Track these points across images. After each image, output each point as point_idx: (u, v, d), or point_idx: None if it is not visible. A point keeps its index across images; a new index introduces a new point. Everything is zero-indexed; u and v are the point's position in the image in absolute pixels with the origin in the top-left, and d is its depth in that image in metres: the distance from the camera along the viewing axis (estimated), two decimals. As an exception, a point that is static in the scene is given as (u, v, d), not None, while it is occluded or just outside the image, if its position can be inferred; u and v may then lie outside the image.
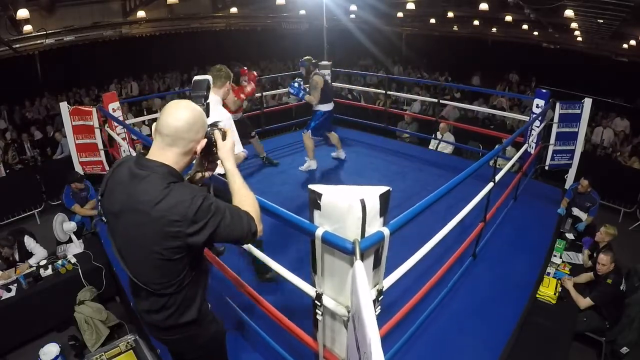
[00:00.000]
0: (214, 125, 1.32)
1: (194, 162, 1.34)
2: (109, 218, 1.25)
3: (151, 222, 1.13)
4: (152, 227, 1.13)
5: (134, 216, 1.16)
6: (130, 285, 1.33)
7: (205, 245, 1.23)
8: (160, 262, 1.18)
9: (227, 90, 2.57)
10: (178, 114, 1.17)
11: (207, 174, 1.40)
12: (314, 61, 4.42)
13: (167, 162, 1.17)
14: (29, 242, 3.76)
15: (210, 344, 1.49)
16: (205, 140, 1.24)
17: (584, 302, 3.16)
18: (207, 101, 1.40)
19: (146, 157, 1.19)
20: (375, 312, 1.48)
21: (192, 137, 1.19)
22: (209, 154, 1.32)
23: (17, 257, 3.69)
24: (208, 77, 1.48)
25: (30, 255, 3.72)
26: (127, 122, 4.51)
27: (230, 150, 1.31)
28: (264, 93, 5.83)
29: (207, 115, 1.33)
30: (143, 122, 6.70)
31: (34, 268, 3.44)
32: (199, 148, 1.23)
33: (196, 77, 1.48)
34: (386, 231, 1.37)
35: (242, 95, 4.17)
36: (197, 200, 1.13)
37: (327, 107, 4.46)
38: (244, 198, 1.28)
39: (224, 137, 1.31)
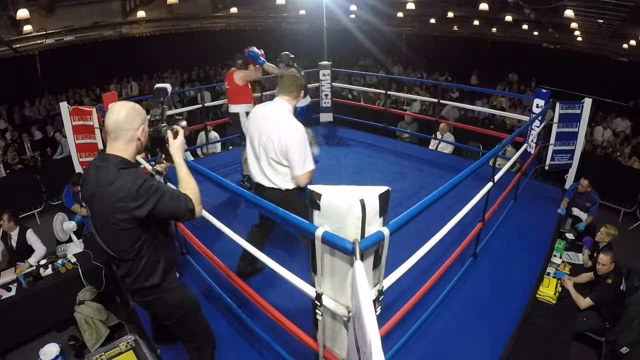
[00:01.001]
0: (168, 125, 1.61)
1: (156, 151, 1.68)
2: (87, 203, 1.56)
3: (107, 200, 1.45)
4: (109, 204, 1.45)
5: (98, 197, 1.47)
6: (108, 257, 1.62)
7: (149, 218, 1.48)
8: (118, 231, 1.48)
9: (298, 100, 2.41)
10: (115, 112, 1.49)
11: (165, 164, 1.72)
12: (292, 56, 4.66)
13: (118, 153, 1.49)
14: (31, 236, 3.81)
15: (178, 310, 1.75)
16: (144, 126, 1.54)
17: (584, 302, 3.16)
18: (164, 106, 1.64)
19: (105, 152, 1.53)
20: (376, 312, 1.48)
21: (129, 126, 1.49)
22: (163, 149, 1.64)
23: (14, 243, 3.74)
24: (167, 85, 1.68)
25: (29, 249, 3.75)
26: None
27: (179, 147, 1.63)
28: (264, 93, 5.83)
29: (163, 118, 1.62)
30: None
31: (34, 267, 3.45)
32: (139, 133, 1.52)
33: (157, 85, 1.68)
34: (386, 231, 1.37)
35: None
36: (139, 181, 1.44)
37: (303, 102, 4.59)
38: (187, 184, 1.59)
39: (175, 136, 1.62)
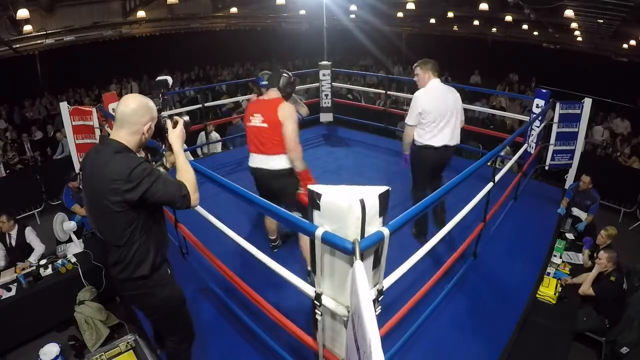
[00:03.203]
0: (169, 117, 1.68)
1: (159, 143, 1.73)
2: (83, 184, 1.62)
3: (101, 180, 1.46)
4: (102, 184, 1.46)
5: (93, 177, 1.51)
6: (100, 243, 1.63)
7: (142, 203, 1.48)
8: (109, 213, 1.49)
9: None
10: (126, 103, 1.53)
11: (172, 159, 1.72)
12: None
13: (119, 140, 1.52)
14: (29, 234, 3.83)
15: (164, 306, 1.75)
16: (150, 124, 1.57)
17: (587, 289, 3.15)
18: (165, 97, 1.74)
19: (108, 137, 1.56)
20: (375, 312, 1.48)
21: (136, 120, 1.52)
22: (163, 138, 1.69)
23: (13, 242, 3.77)
24: (168, 77, 1.78)
25: (28, 247, 3.76)
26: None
27: (179, 135, 1.66)
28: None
29: (163, 108, 1.69)
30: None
31: (34, 267, 3.45)
32: (144, 129, 1.55)
33: (158, 77, 1.78)
34: (386, 231, 1.37)
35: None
36: (132, 164, 1.45)
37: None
38: (184, 172, 1.60)
39: (174, 126, 1.66)
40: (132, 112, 1.51)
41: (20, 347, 3.23)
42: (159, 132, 1.65)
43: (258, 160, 2.67)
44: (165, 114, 1.69)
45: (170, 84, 1.77)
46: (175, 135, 1.65)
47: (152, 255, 1.62)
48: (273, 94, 2.66)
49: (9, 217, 3.74)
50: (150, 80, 11.52)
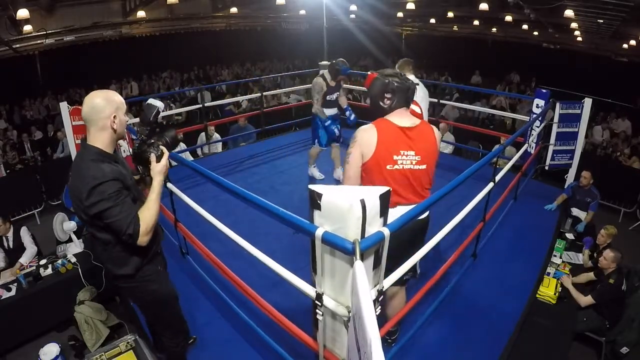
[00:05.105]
0: (152, 145, 1.64)
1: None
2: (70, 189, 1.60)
3: (74, 189, 1.49)
4: (74, 192, 1.49)
5: (72, 182, 1.52)
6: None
7: (98, 220, 1.49)
8: (83, 219, 1.54)
9: None
10: (86, 102, 1.52)
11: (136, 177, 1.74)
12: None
13: (91, 142, 1.52)
14: (24, 234, 3.83)
15: (151, 301, 1.80)
16: (116, 115, 1.52)
17: (585, 300, 3.15)
18: (149, 127, 1.69)
19: (85, 141, 1.55)
20: (376, 312, 1.48)
21: (99, 115, 1.50)
22: (146, 168, 1.66)
23: (11, 244, 3.78)
24: (158, 103, 1.70)
25: (23, 248, 3.76)
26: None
27: (160, 171, 1.63)
28: (264, 93, 5.84)
29: (148, 139, 1.66)
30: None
31: (34, 267, 3.45)
32: (109, 122, 1.51)
33: (149, 101, 1.71)
34: (386, 231, 1.37)
35: None
36: (97, 182, 1.43)
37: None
38: (148, 210, 1.56)
39: (158, 160, 1.63)
40: (91, 110, 1.50)
41: (20, 347, 3.23)
42: (143, 161, 1.64)
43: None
44: (164, 114, 1.69)
45: (161, 110, 1.70)
46: (157, 171, 1.63)
47: (135, 257, 1.64)
48: (407, 113, 1.91)
49: (3, 221, 3.73)
50: (150, 81, 11.52)
